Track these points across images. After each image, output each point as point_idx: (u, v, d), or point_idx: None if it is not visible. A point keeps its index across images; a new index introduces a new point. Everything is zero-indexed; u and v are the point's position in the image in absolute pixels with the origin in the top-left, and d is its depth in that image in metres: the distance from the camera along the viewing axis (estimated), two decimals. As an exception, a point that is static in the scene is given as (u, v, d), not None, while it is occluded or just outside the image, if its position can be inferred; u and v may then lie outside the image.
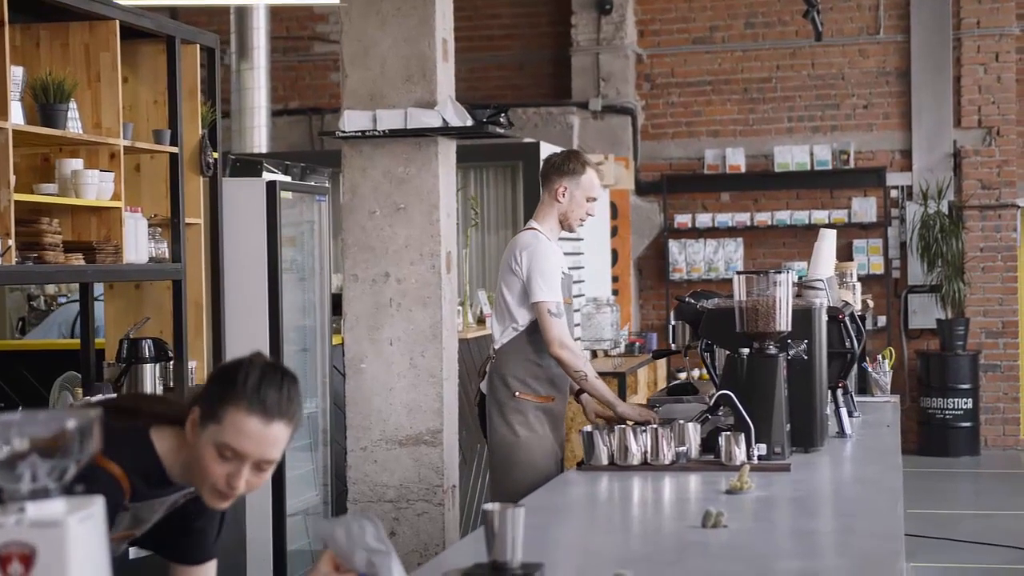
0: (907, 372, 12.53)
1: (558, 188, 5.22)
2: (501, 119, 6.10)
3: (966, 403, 12.11)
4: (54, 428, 1.74)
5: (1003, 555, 8.27)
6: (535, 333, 5.12)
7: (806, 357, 4.49)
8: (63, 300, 8.77)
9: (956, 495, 10.79)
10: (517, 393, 5.15)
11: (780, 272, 4.39)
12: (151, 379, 5.33)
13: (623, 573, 2.58)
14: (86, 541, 1.75)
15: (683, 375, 12.24)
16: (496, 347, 5.25)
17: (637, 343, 10.77)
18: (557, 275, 5.12)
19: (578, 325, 9.62)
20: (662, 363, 10.97)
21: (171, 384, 5.51)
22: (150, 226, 5.43)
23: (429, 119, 5.78)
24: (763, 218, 12.65)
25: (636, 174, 12.89)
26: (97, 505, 1.78)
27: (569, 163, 5.25)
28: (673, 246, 12.81)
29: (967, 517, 9.68)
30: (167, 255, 5.49)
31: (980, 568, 8.03)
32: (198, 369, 5.76)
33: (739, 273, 4.43)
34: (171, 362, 5.48)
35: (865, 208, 12.52)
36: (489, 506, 2.71)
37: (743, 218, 12.69)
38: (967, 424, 12.15)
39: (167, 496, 2.72)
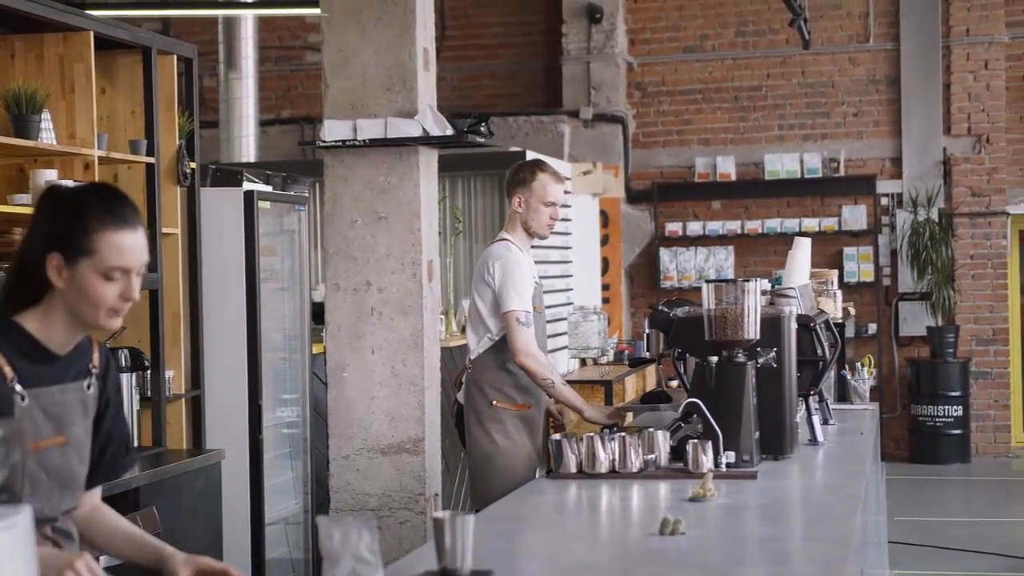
0: (898, 379, 12.55)
1: (514, 199, 5.38)
2: (481, 128, 6.12)
3: (956, 410, 12.12)
4: (-24, 437, 1.76)
5: (991, 562, 8.28)
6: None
7: (775, 365, 4.51)
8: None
9: (946, 502, 10.79)
10: (494, 402, 5.25)
11: (748, 280, 4.40)
12: (127, 388, 5.34)
13: (569, 580, 2.59)
14: (10, 550, 1.76)
15: (675, 383, 12.25)
16: (472, 357, 5.34)
17: (627, 351, 10.77)
18: (528, 285, 5.21)
19: (564, 334, 9.65)
20: (651, 371, 10.97)
21: (148, 394, 5.53)
22: (127, 236, 5.44)
23: (409, 128, 5.80)
24: (754, 226, 12.67)
25: (627, 182, 12.91)
26: (23, 514, 1.80)
27: (519, 173, 5.40)
28: (664, 254, 12.83)
29: (956, 524, 9.69)
30: (144, 264, 5.51)
31: (967, 575, 8.03)
32: (175, 379, 5.77)
33: (708, 281, 4.44)
34: (148, 371, 5.49)
35: (855, 216, 12.53)
36: (438, 514, 2.73)
37: (734, 226, 12.71)
38: (957, 431, 12.15)
39: (63, 379, 2.72)
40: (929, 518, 9.81)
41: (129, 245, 2.67)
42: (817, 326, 5.01)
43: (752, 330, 4.38)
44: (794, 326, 4.67)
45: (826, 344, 5.02)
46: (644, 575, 2.93)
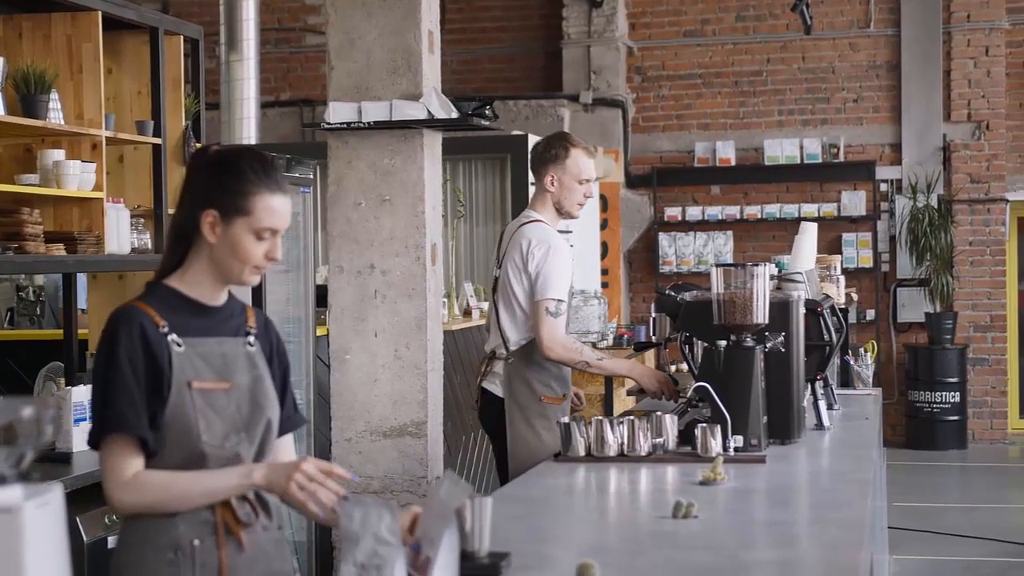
0: (895, 365, 12.57)
1: (546, 177, 5.12)
2: (486, 111, 6.11)
3: (954, 397, 12.15)
4: (10, 415, 1.76)
5: (988, 548, 8.31)
6: None
7: (783, 350, 4.50)
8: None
9: (943, 488, 10.83)
10: (542, 398, 5.04)
11: (758, 265, 4.40)
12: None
13: (588, 562, 2.60)
14: (43, 527, 1.76)
15: (674, 368, 12.26)
16: (511, 347, 5.09)
17: (626, 336, 10.78)
18: (567, 273, 4.99)
19: (565, 317, 9.64)
20: (651, 355, 10.99)
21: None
22: (133, 217, 5.44)
23: (414, 111, 5.79)
24: (753, 211, 12.68)
25: (626, 167, 12.91)
26: (55, 492, 1.80)
27: (551, 149, 5.14)
28: (663, 239, 12.83)
29: (953, 510, 9.72)
30: (150, 246, 5.51)
31: (964, 560, 8.06)
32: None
33: (717, 266, 4.44)
34: (154, 352, 5.48)
35: (855, 202, 12.54)
36: (456, 496, 2.73)
37: (733, 211, 12.71)
38: (955, 418, 12.18)
39: (220, 332, 2.87)
40: (926, 504, 9.84)
41: (282, 208, 2.83)
42: (824, 311, 5.02)
43: (761, 314, 4.37)
44: (802, 311, 4.67)
45: (833, 329, 5.03)
46: (661, 558, 2.94)
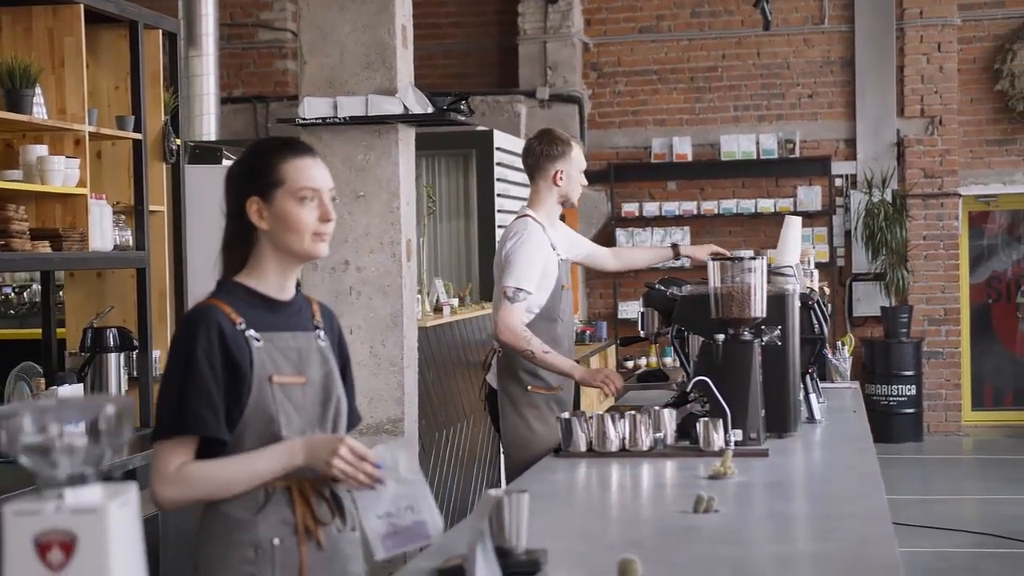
0: (852, 359, 12.65)
1: (554, 174, 5.22)
2: (461, 107, 6.09)
3: (909, 390, 12.26)
4: (93, 414, 1.72)
5: (949, 538, 8.39)
6: (540, 324, 5.06)
7: (780, 343, 4.51)
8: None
9: (901, 480, 10.90)
10: (529, 387, 5.13)
11: (755, 258, 4.40)
12: (115, 368, 5.26)
13: (630, 558, 2.58)
14: (125, 527, 1.73)
15: (630, 364, 12.30)
16: (501, 340, 5.12)
17: (587, 332, 10.81)
18: (535, 264, 5.06)
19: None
20: (612, 351, 11.02)
21: (135, 374, 5.45)
22: (114, 214, 5.36)
23: (390, 106, 5.76)
24: (710, 207, 12.72)
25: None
26: (132, 492, 1.76)
27: (556, 146, 5.24)
28: (621, 235, 12.85)
29: (915, 502, 9.80)
30: (131, 243, 5.43)
31: (927, 552, 8.13)
32: (162, 358, 5.68)
33: (714, 259, 4.43)
34: (135, 351, 5.41)
35: (810, 197, 12.62)
36: (495, 492, 2.70)
37: (690, 207, 12.75)
38: (910, 410, 12.30)
39: (292, 327, 2.85)
40: (888, 496, 9.87)
41: (311, 167, 2.83)
42: (814, 304, 5.03)
43: (759, 308, 4.37)
44: (797, 304, 4.68)
45: (823, 322, 5.05)
46: (696, 553, 2.92)
